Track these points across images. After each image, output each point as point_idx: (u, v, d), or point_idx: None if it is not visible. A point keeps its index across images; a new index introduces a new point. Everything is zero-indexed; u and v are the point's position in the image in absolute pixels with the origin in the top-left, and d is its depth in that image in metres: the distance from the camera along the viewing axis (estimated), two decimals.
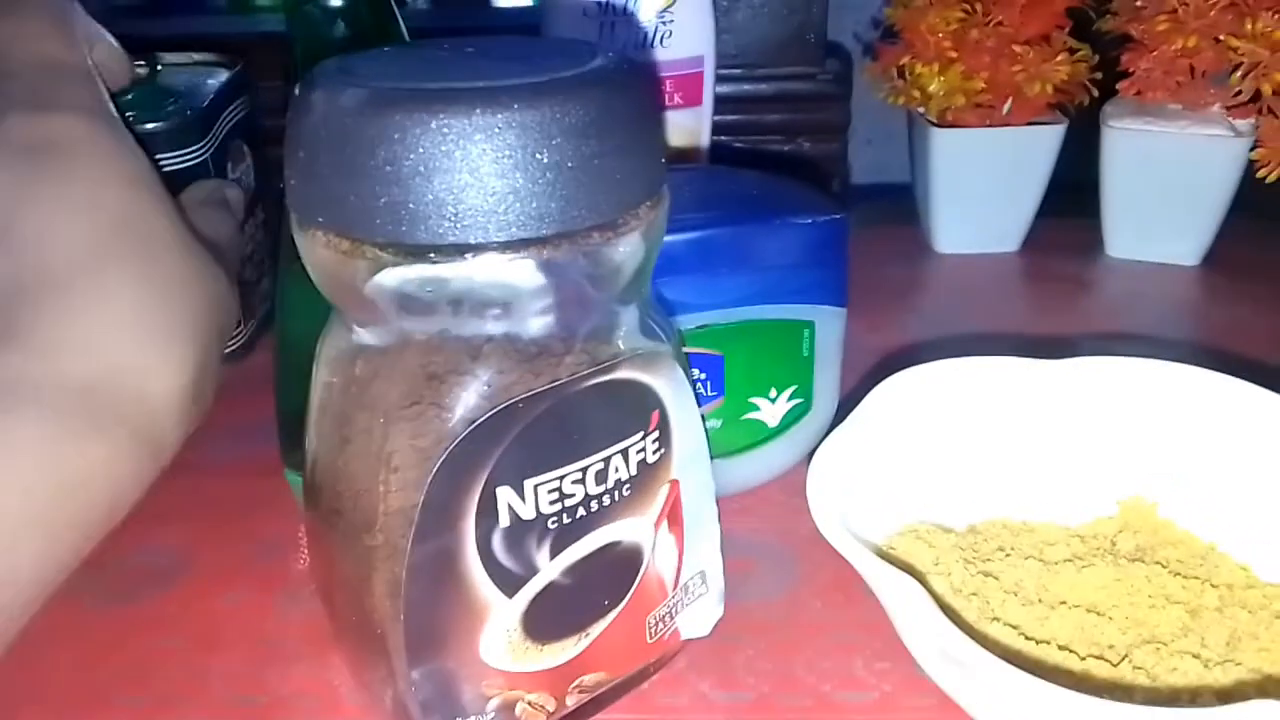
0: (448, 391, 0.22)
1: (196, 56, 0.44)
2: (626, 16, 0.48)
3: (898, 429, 0.31)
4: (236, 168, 0.42)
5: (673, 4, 0.49)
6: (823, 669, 0.29)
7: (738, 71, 0.61)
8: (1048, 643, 0.26)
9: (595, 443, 0.24)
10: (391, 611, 0.23)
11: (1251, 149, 0.51)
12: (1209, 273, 0.56)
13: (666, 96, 0.50)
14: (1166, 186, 0.54)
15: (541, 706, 0.25)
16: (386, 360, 0.23)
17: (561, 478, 0.23)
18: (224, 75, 0.43)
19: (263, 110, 0.65)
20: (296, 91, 0.21)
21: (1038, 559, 0.29)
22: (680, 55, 0.50)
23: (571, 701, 0.26)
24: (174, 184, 0.34)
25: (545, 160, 0.20)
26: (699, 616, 0.29)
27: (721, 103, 0.53)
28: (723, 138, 0.62)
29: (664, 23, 0.49)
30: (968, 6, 0.54)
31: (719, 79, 0.52)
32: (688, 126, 0.52)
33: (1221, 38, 0.50)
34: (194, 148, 0.38)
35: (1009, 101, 0.55)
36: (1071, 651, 0.26)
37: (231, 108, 0.43)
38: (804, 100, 0.63)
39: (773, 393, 0.35)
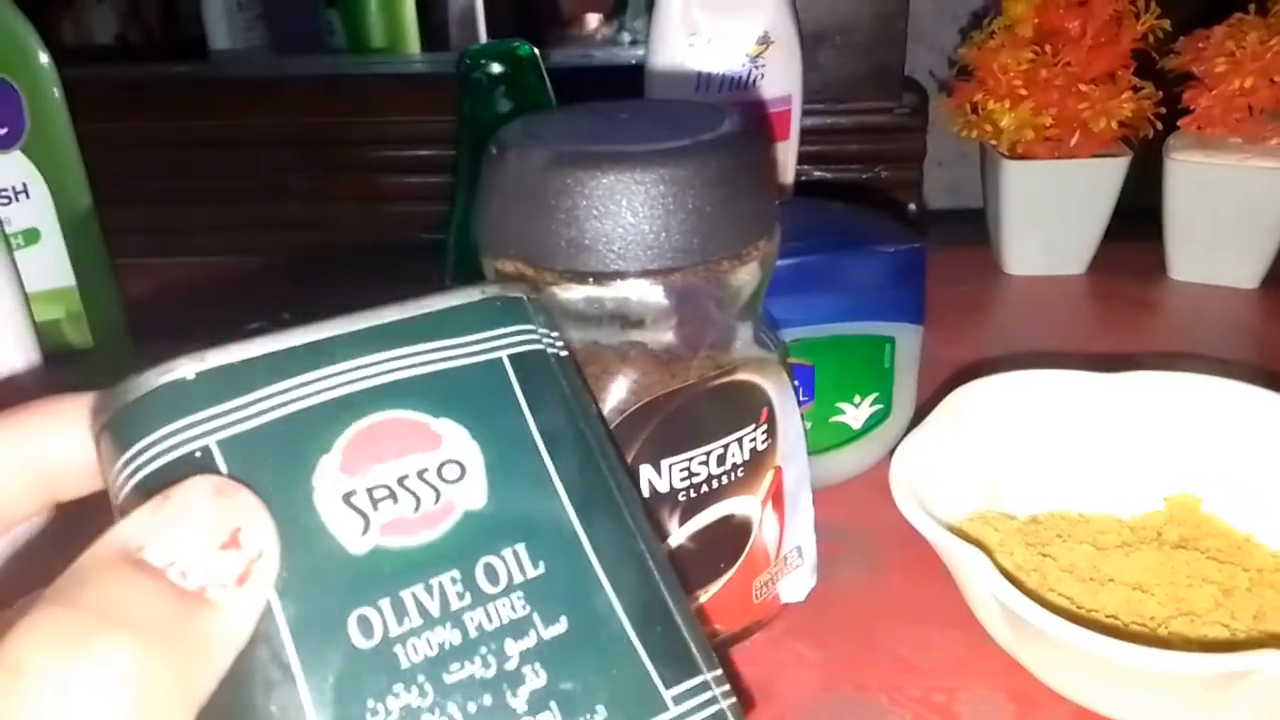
0: (603, 388, 0.28)
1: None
2: (722, 62, 0.54)
3: (969, 432, 0.36)
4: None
5: (764, 50, 0.54)
6: (901, 635, 0.34)
7: (820, 106, 0.66)
8: (1097, 612, 0.31)
9: (717, 432, 0.29)
10: None
11: None
12: (1267, 293, 0.59)
13: None
14: (1226, 215, 0.58)
15: None
16: None
17: (690, 459, 0.29)
18: None
19: (392, 142, 0.73)
20: (492, 150, 0.27)
21: (1091, 544, 0.34)
22: (770, 95, 0.55)
23: None
24: None
25: (690, 206, 0.26)
26: (796, 585, 0.34)
27: (805, 134, 0.58)
28: (805, 166, 0.67)
29: (756, 67, 0.54)
30: (1037, 47, 0.58)
31: (803, 113, 0.57)
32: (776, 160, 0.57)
33: (1276, 79, 0.54)
34: None
35: (1076, 135, 0.59)
36: (1117, 619, 0.30)
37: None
38: (882, 132, 0.68)
39: (857, 399, 0.40)
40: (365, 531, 0.18)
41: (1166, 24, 0.58)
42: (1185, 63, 0.58)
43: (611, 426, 0.27)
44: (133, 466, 0.18)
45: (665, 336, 0.28)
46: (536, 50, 0.35)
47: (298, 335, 0.19)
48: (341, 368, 0.19)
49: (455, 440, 0.19)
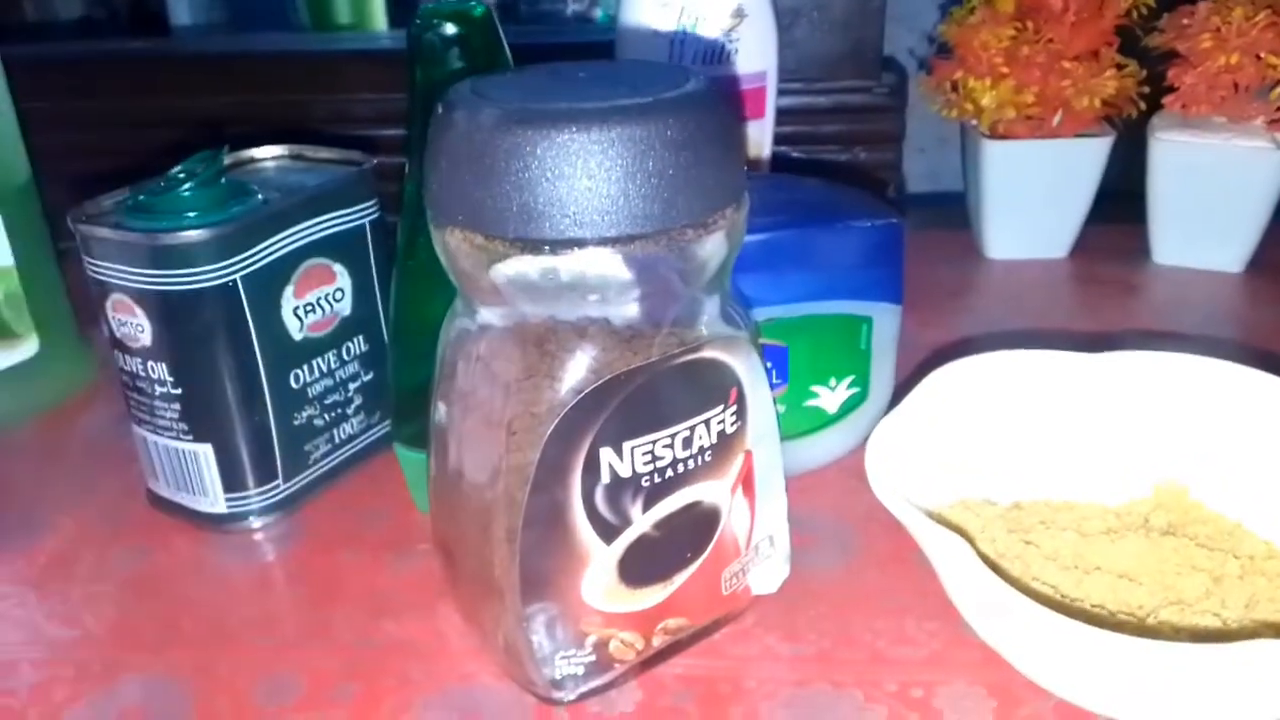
0: (560, 366, 0.26)
1: (324, 153, 0.41)
2: (695, 35, 0.52)
3: (949, 415, 0.34)
4: (306, 292, 0.37)
5: (738, 24, 0.52)
6: (877, 628, 0.32)
7: (798, 85, 0.65)
8: (1082, 601, 0.29)
9: (683, 413, 0.27)
10: (508, 556, 0.27)
11: None
12: (1252, 278, 0.58)
13: None
14: (1210, 196, 0.57)
15: (631, 644, 0.29)
16: (506, 340, 0.27)
17: (654, 442, 0.27)
18: (314, 180, 0.39)
19: (354, 120, 0.71)
20: (438, 110, 0.25)
21: (1076, 531, 0.32)
22: (745, 71, 0.53)
23: (657, 642, 0.30)
24: (192, 306, 0.33)
25: (649, 169, 0.24)
26: (768, 575, 0.32)
27: (782, 114, 0.56)
28: (782, 147, 0.66)
29: (730, 41, 0.53)
30: (1019, 24, 0.57)
31: (780, 92, 0.56)
32: (752, 137, 0.55)
33: (1262, 55, 0.52)
34: (210, 267, 0.34)
35: (1059, 114, 0.58)
36: (1103, 609, 0.29)
37: (305, 226, 0.37)
38: (860, 112, 0.66)
39: (832, 382, 0.39)
40: (301, 329, 0.37)
41: (1150, 0, 0.56)
42: (1169, 40, 0.56)
43: (569, 407, 0.26)
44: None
45: (626, 311, 0.26)
46: (493, 11, 0.33)
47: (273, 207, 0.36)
48: (293, 230, 0.36)
49: (341, 276, 0.39)
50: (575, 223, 0.24)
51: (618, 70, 0.28)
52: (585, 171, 0.23)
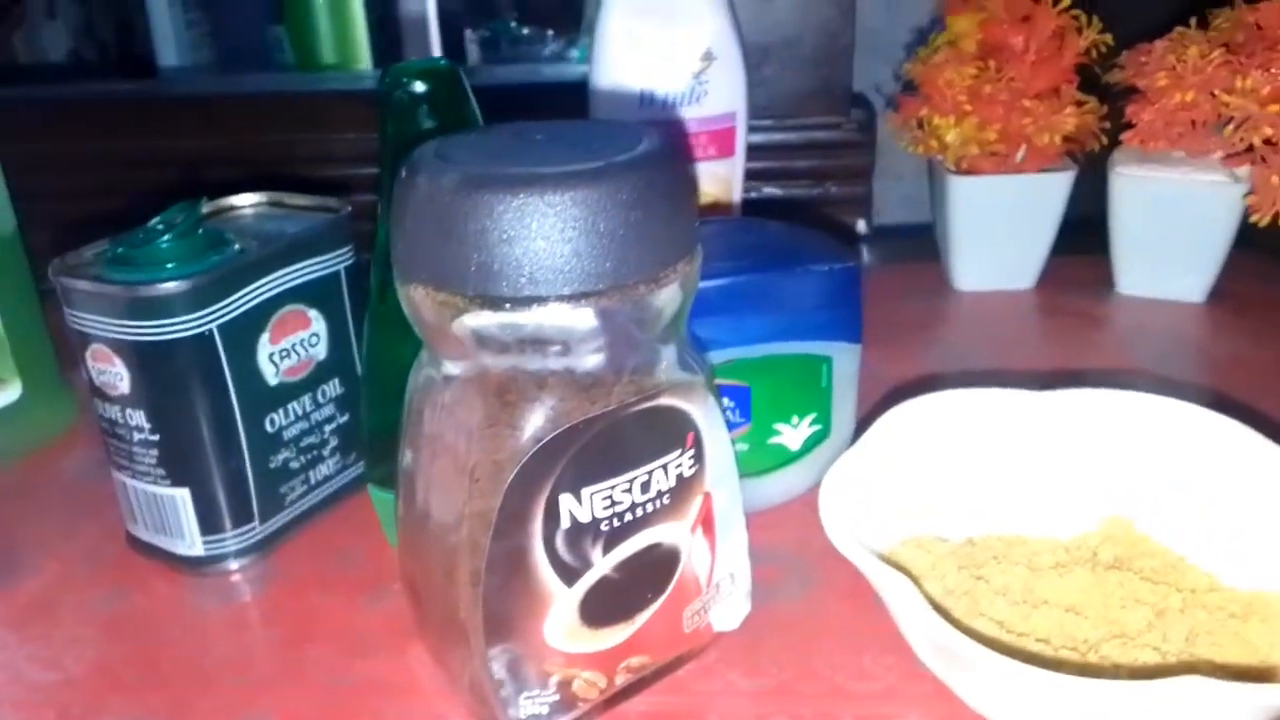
0: (520, 415, 0.27)
1: (301, 200, 0.42)
2: (665, 78, 0.53)
3: (903, 453, 0.35)
4: (281, 338, 0.38)
5: (707, 67, 0.54)
6: (836, 662, 0.33)
7: (768, 122, 0.66)
8: (1027, 635, 0.30)
9: (641, 458, 0.28)
10: (472, 599, 0.28)
11: (1247, 194, 0.55)
12: (1214, 308, 0.59)
13: (701, 149, 0.55)
14: (1171, 228, 0.58)
15: (594, 684, 0.30)
16: (469, 389, 0.28)
17: (613, 487, 0.28)
18: (292, 227, 0.40)
19: (338, 160, 0.72)
20: (402, 173, 0.26)
21: (1026, 566, 0.33)
22: (714, 112, 0.55)
23: (620, 681, 0.31)
24: (169, 355, 0.34)
25: (602, 229, 0.25)
26: (729, 612, 0.33)
27: (752, 151, 0.58)
28: (754, 183, 0.67)
29: (700, 83, 0.54)
30: (981, 63, 0.59)
31: (750, 129, 0.57)
32: (722, 176, 0.56)
33: (1216, 93, 0.54)
34: (187, 317, 0.35)
35: (1022, 150, 0.60)
36: (1047, 643, 0.30)
37: (281, 274, 0.38)
38: (830, 148, 0.68)
39: (795, 420, 0.40)
40: (276, 374, 0.38)
41: (1109, 39, 0.58)
42: (1128, 77, 0.58)
43: (529, 455, 0.27)
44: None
45: (586, 361, 0.27)
46: (459, 68, 0.34)
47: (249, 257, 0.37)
48: (269, 278, 0.37)
49: (316, 321, 0.40)
50: (531, 280, 0.25)
51: (576, 132, 0.29)
52: (540, 233, 0.25)
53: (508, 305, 0.26)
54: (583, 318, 0.26)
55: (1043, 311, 0.61)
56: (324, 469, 0.41)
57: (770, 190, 0.69)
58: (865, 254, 0.68)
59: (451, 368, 0.28)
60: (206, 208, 0.40)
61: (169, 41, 0.98)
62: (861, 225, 0.70)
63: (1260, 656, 0.29)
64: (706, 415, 0.30)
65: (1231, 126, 0.54)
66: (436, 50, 0.94)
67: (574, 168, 0.25)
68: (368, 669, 0.34)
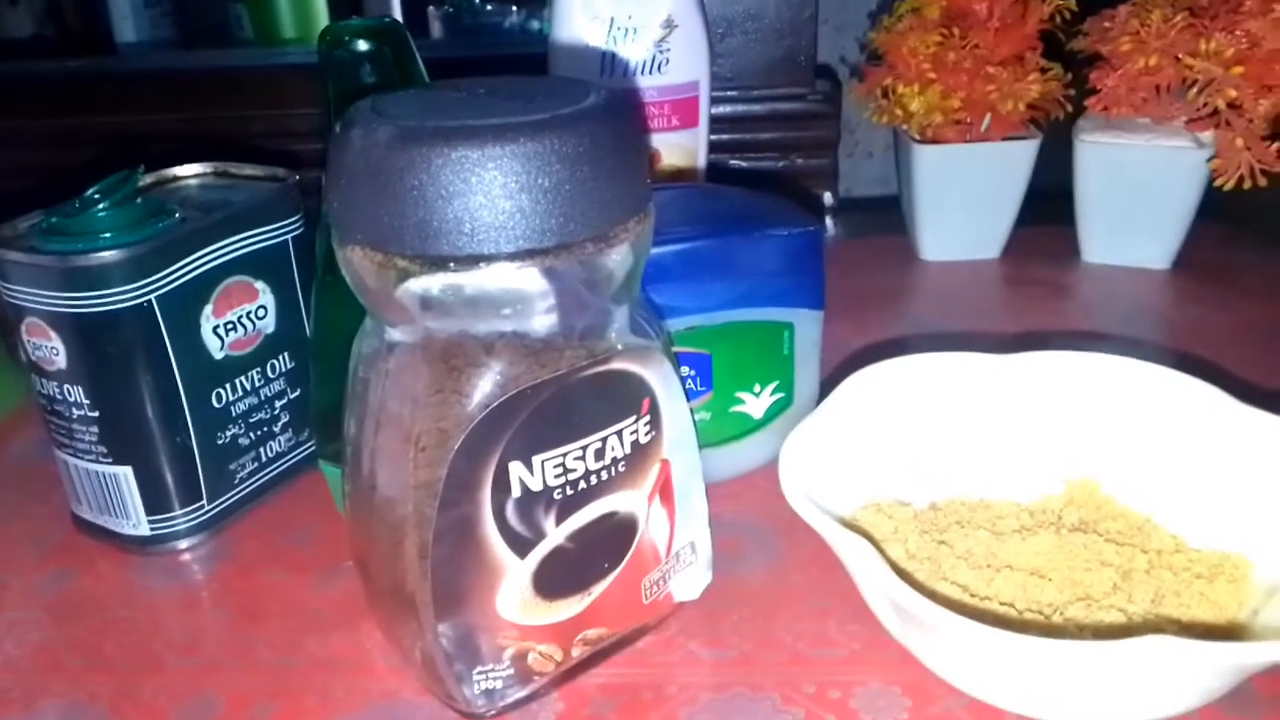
0: (466, 381, 0.26)
1: (248, 169, 0.41)
2: (626, 46, 0.52)
3: (865, 418, 0.35)
4: (226, 310, 0.37)
5: (669, 34, 0.53)
6: (799, 630, 0.33)
7: (733, 93, 0.66)
8: (990, 599, 0.30)
9: (594, 424, 0.28)
10: (420, 572, 0.27)
11: (1211, 159, 0.54)
12: (1178, 275, 0.59)
13: (664, 119, 0.54)
14: (1136, 196, 0.58)
15: (550, 656, 0.29)
16: (414, 356, 0.27)
17: (565, 454, 0.27)
18: (237, 197, 0.38)
19: (295, 135, 0.70)
20: (337, 129, 0.25)
21: (989, 530, 0.33)
22: (677, 80, 0.54)
23: (576, 653, 0.30)
24: (107, 327, 0.33)
25: (546, 184, 0.24)
26: (690, 582, 0.33)
27: (718, 123, 0.57)
28: (720, 155, 0.66)
29: (661, 51, 0.53)
30: (945, 30, 0.58)
31: (715, 100, 0.56)
32: (685, 146, 0.56)
33: (1180, 57, 0.54)
34: (124, 288, 0.33)
35: (986, 118, 0.59)
36: (1012, 607, 0.29)
37: (224, 244, 0.36)
38: (795, 119, 0.67)
39: (757, 388, 0.39)
40: (222, 348, 0.37)
41: (1072, 4, 0.58)
42: (1091, 43, 0.57)
43: (476, 421, 0.26)
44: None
45: (533, 324, 0.26)
46: (402, 26, 0.33)
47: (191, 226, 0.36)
48: (212, 248, 0.36)
49: (264, 294, 0.39)
50: (473, 239, 0.24)
51: (523, 86, 0.28)
52: (480, 188, 0.24)
53: (451, 265, 0.25)
54: (529, 278, 0.25)
55: (1008, 281, 0.61)
56: (276, 445, 0.40)
57: (735, 162, 0.68)
58: (831, 227, 0.68)
59: (396, 334, 0.27)
60: (148, 178, 0.39)
61: (127, 20, 0.95)
62: (828, 197, 0.69)
63: (1227, 616, 0.29)
64: (663, 381, 0.29)
65: (1195, 90, 0.54)
66: None
67: (516, 120, 0.24)
68: (318, 648, 0.33)
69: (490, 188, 0.24)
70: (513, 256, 0.25)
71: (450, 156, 0.23)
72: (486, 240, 0.24)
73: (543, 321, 0.26)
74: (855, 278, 0.58)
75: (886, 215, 0.68)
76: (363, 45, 0.32)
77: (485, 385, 0.26)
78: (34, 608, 0.36)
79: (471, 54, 0.79)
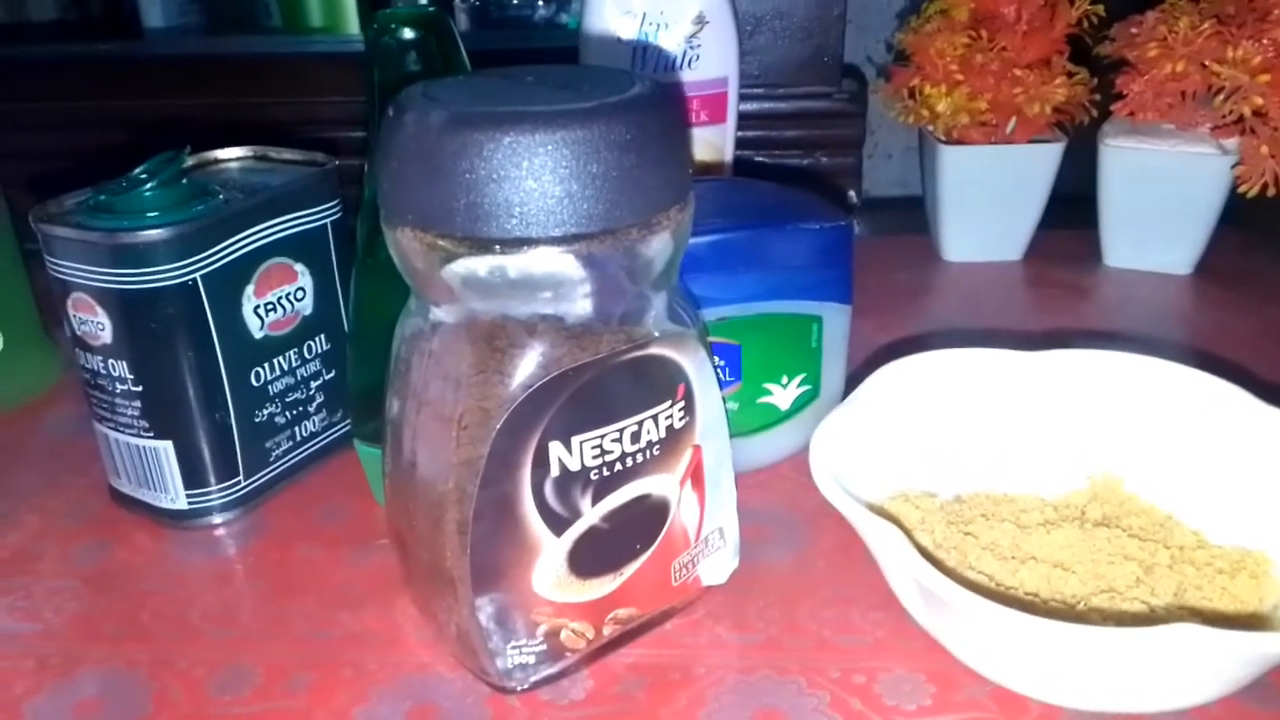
0: (509, 362, 0.27)
1: (287, 154, 0.41)
2: (657, 41, 0.53)
3: (894, 410, 0.35)
4: (266, 291, 0.38)
5: (700, 30, 0.53)
6: (823, 617, 0.33)
7: (760, 90, 0.66)
8: (1016, 589, 0.30)
9: (631, 408, 0.28)
10: (459, 548, 0.28)
11: (1235, 166, 0.55)
12: (1199, 280, 0.60)
13: (693, 115, 0.55)
14: (1159, 201, 0.58)
15: (582, 634, 0.30)
16: (458, 336, 0.27)
17: (603, 436, 0.28)
18: (277, 180, 0.39)
19: (323, 122, 0.71)
20: (390, 113, 0.26)
21: (1014, 523, 0.33)
22: (706, 76, 0.54)
23: (608, 632, 0.31)
24: (152, 304, 0.34)
25: (594, 171, 0.25)
26: (717, 567, 0.33)
27: (744, 119, 0.57)
28: (745, 152, 0.67)
29: (691, 47, 0.54)
30: (973, 33, 0.58)
31: (742, 97, 0.57)
32: (713, 142, 0.56)
33: (1207, 63, 0.54)
34: (170, 266, 0.34)
35: (1012, 121, 0.59)
36: (1036, 597, 0.30)
37: (266, 225, 0.37)
38: (821, 117, 0.68)
39: (784, 379, 0.40)
40: (261, 328, 0.38)
41: (1100, 10, 0.58)
42: (1118, 49, 0.58)
43: (518, 401, 0.26)
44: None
45: (576, 308, 0.27)
46: (448, 15, 0.33)
47: (234, 207, 0.37)
48: (254, 229, 0.37)
49: (303, 276, 0.40)
50: (522, 222, 0.25)
51: (568, 75, 0.29)
52: (530, 172, 0.24)
53: (497, 247, 0.25)
54: (573, 262, 0.26)
55: (1030, 282, 0.61)
56: (310, 425, 0.41)
57: (761, 159, 0.68)
58: (855, 224, 0.68)
59: (440, 314, 0.28)
60: (191, 160, 0.40)
61: (155, 5, 0.96)
62: (851, 196, 0.70)
63: (1249, 610, 0.30)
64: (698, 368, 0.30)
65: (1221, 97, 0.54)
66: None
67: (566, 107, 0.25)
68: (352, 621, 0.34)
69: (540, 173, 0.24)
70: (558, 241, 0.25)
71: (502, 141, 0.24)
72: (534, 224, 0.25)
73: (583, 305, 0.27)
74: (878, 275, 0.59)
75: (908, 215, 0.69)
76: (409, 33, 0.33)
77: (528, 366, 0.27)
78: (72, 577, 0.36)
79: (500, 46, 0.79)
